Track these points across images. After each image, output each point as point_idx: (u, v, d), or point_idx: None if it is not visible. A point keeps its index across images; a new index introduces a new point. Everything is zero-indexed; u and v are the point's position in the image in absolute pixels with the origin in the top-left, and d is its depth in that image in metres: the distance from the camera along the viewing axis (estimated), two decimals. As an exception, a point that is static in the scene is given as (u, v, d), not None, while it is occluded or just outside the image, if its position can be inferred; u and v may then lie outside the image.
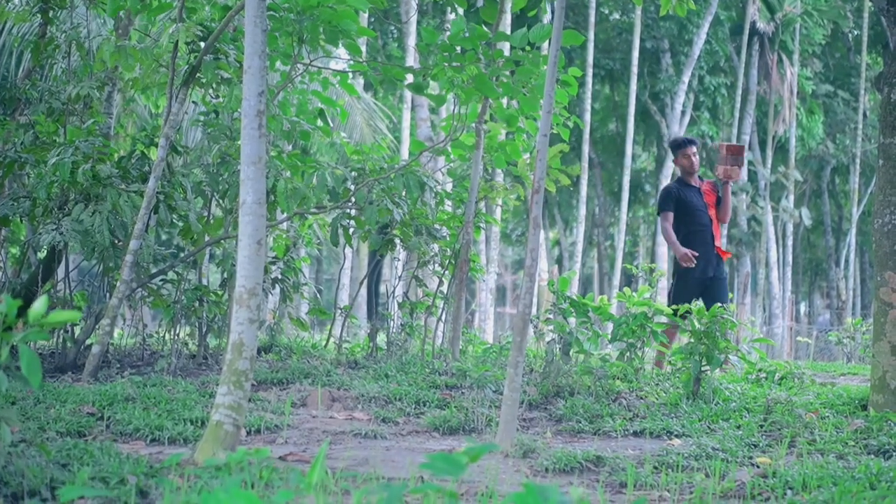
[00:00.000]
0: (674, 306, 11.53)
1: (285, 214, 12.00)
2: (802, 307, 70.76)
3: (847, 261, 50.83)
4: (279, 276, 12.82)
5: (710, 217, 13.38)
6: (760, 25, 44.76)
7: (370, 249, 13.94)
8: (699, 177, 13.62)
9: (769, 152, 46.60)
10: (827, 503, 5.71)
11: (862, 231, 50.05)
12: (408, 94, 27.93)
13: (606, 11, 44.90)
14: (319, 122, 12.76)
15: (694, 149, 13.46)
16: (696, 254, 12.95)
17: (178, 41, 10.87)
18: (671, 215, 13.23)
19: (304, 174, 12.14)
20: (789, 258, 49.70)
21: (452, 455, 3.80)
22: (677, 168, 13.59)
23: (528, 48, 11.49)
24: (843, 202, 55.63)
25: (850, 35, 50.82)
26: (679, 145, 13.53)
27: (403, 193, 12.16)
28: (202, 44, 11.14)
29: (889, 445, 7.78)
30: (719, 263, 13.34)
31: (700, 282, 13.11)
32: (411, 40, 27.93)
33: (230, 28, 11.12)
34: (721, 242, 13.50)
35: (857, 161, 46.40)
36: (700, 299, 12.78)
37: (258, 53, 6.74)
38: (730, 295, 13.17)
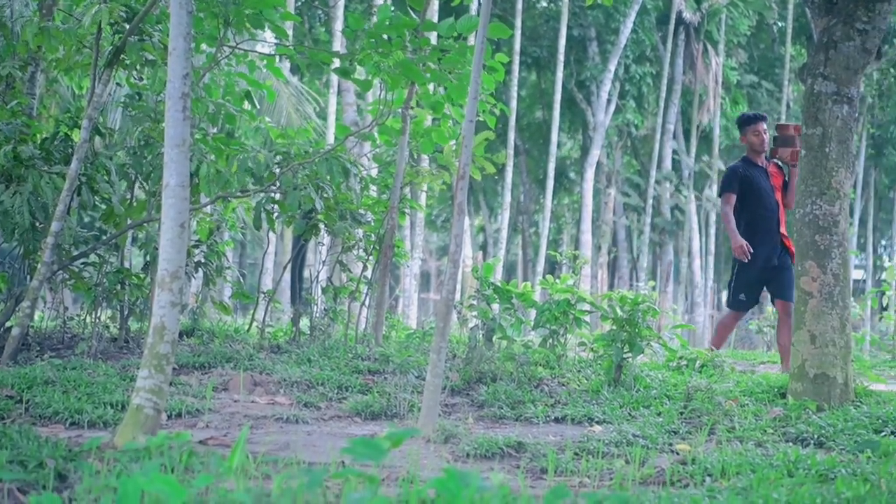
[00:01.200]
0: (740, 296, 12.07)
1: (209, 198, 11.93)
2: (724, 296, 71.39)
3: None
4: (202, 260, 12.75)
5: (777, 201, 12.43)
6: (686, 15, 45.03)
7: (294, 234, 13.88)
8: (765, 157, 12.62)
9: (693, 142, 46.90)
10: (745, 490, 5.77)
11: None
12: (334, 79, 27.85)
13: (534, -1, 45.02)
14: (245, 105, 12.69)
15: (764, 125, 12.53)
16: (752, 250, 12.12)
17: (101, 22, 10.77)
18: (733, 197, 12.31)
19: (228, 158, 12.07)
20: (712, 247, 50.09)
21: (374, 440, 3.81)
22: (745, 145, 12.67)
23: (453, 39, 11.49)
24: (766, 192, 56.05)
25: (774, 26, 51.26)
26: (748, 121, 12.60)
27: (328, 178, 12.12)
28: (126, 25, 11.04)
29: (807, 433, 7.87)
30: (784, 251, 12.33)
31: (762, 271, 12.32)
32: (338, 25, 27.85)
33: (155, 9, 11.03)
34: (783, 228, 12.52)
35: (780, 151, 46.78)
36: (763, 290, 12.62)
37: (183, 35, 6.70)
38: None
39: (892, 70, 46.34)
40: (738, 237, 12.15)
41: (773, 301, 12.42)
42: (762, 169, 12.48)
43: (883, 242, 61.44)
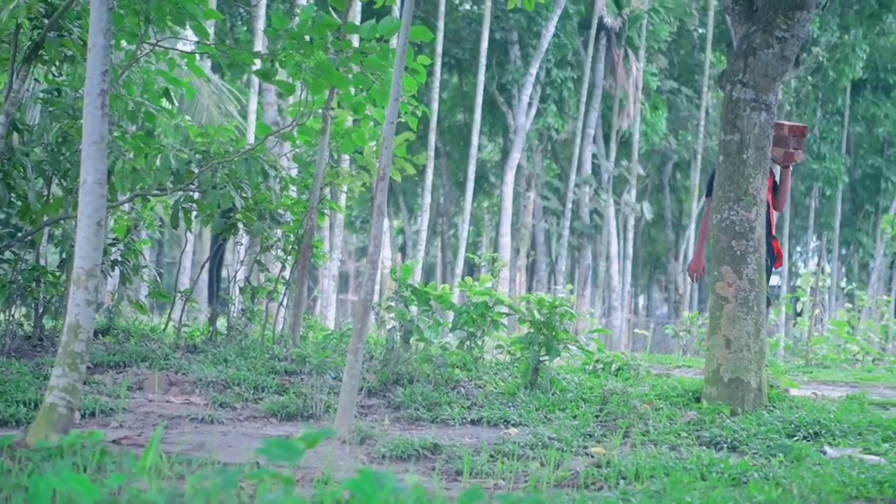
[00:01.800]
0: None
1: (126, 195, 11.85)
2: (641, 300, 71.86)
3: (686, 255, 51.70)
4: (119, 258, 12.66)
5: (767, 203, 11.12)
6: (608, 20, 45.28)
7: (213, 233, 13.81)
8: None
9: (613, 146, 47.16)
10: (658, 493, 5.81)
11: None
12: (255, 78, 27.73)
13: (457, 1, 45.07)
14: (165, 102, 12.61)
15: None
16: (704, 275, 11.33)
17: (20, 17, 10.66)
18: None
19: (147, 156, 11.99)
20: (630, 251, 50.40)
21: (289, 441, 3.80)
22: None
23: (375, 41, 11.48)
24: (684, 197, 56.51)
25: (695, 33, 51.68)
26: None
27: (247, 178, 12.08)
28: (46, 20, 10.94)
29: (720, 437, 7.93)
30: (772, 256, 11.49)
31: None
32: (260, 24, 27.74)
33: (75, 5, 10.94)
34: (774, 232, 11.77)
35: (699, 157, 47.22)
36: None
37: (103, 31, 6.65)
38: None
39: (809, 78, 46.86)
40: (698, 257, 11.65)
41: None
42: None
43: (798, 249, 62.10)
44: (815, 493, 5.77)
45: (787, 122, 11.86)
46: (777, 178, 11.91)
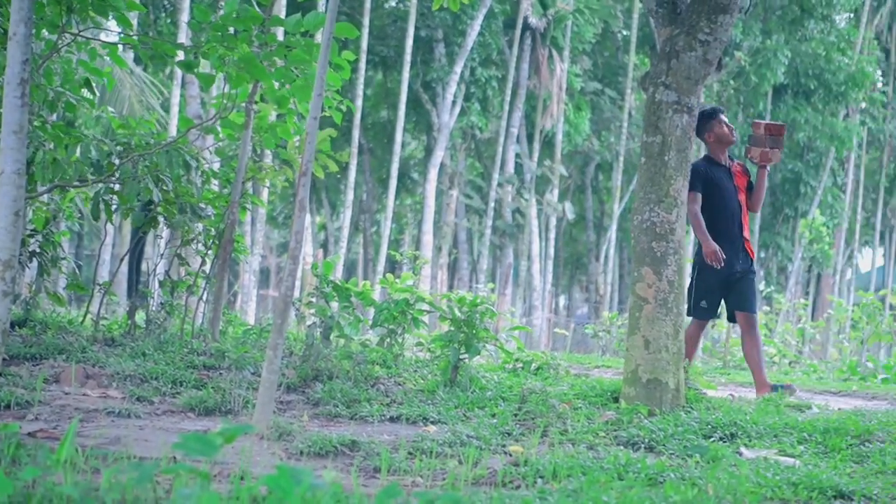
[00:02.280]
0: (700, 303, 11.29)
1: (46, 186, 11.73)
2: (562, 300, 72.22)
3: (607, 256, 52.02)
4: (37, 250, 12.53)
5: (740, 203, 11.46)
6: (533, 21, 45.38)
7: (133, 226, 13.72)
8: (730, 156, 11.64)
9: (536, 146, 47.31)
10: (576, 492, 5.84)
11: (622, 227, 51.22)
12: (178, 70, 27.57)
13: (382, -2, 45.04)
14: (85, 93, 12.49)
15: (723, 116, 11.47)
16: (724, 256, 11.12)
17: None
18: (699, 197, 11.20)
19: (67, 146, 11.87)
20: (551, 251, 50.55)
21: (207, 435, 3.79)
22: (709, 143, 11.47)
23: (300, 35, 11.44)
24: (606, 198, 56.81)
25: (619, 35, 51.98)
26: (711, 115, 11.36)
27: (168, 171, 11.99)
28: (-35, 7, 10.81)
29: (638, 438, 7.98)
30: (746, 257, 11.47)
31: (725, 277, 11.32)
32: (184, 16, 27.57)
33: (-4, -7, 10.81)
34: (746, 234, 11.54)
35: (621, 159, 47.50)
36: (724, 298, 11.56)
37: (24, 20, 6.59)
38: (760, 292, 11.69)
39: (731, 82, 47.25)
40: (709, 241, 11.10)
41: (729, 316, 11.69)
42: (725, 168, 11.48)
43: (717, 251, 62.63)
44: (731, 494, 5.82)
45: (763, 122, 11.82)
46: (753, 178, 11.80)
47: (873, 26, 50.62)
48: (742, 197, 11.52)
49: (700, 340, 11.79)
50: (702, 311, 11.46)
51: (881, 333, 23.20)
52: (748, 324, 11.44)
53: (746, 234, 11.47)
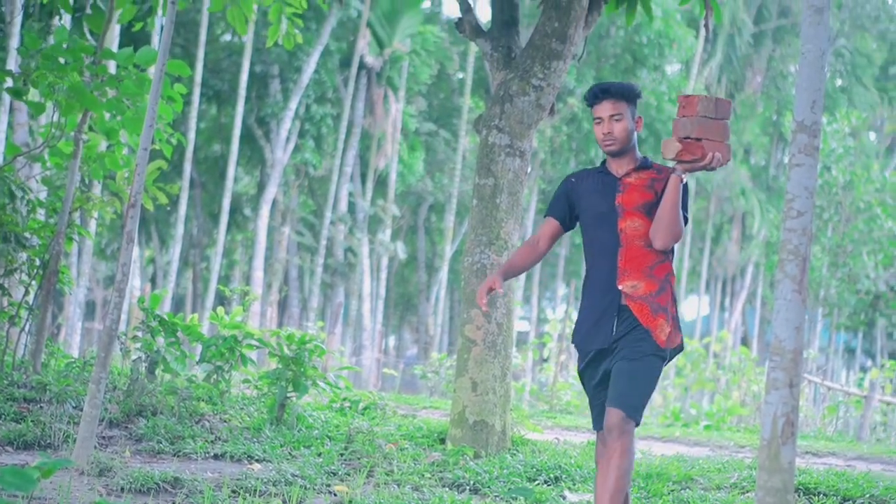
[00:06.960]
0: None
1: None
2: (392, 340, 72.23)
3: (437, 297, 52.20)
4: None
5: (617, 235, 6.58)
6: (369, 60, 45.49)
7: (-46, 254, 13.37)
8: (645, 160, 6.77)
9: (369, 185, 47.37)
10: (399, 532, 5.83)
11: (453, 269, 51.48)
12: (6, 96, 27.04)
13: (218, 32, 44.72)
14: None
15: (610, 105, 6.62)
16: (484, 306, 6.47)
17: None
18: (549, 226, 6.87)
19: None
20: (382, 291, 50.58)
21: (24, 469, 3.70)
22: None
23: (133, 68, 11.31)
24: (438, 239, 57.06)
25: (455, 77, 52.35)
26: (589, 98, 6.87)
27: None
28: None
29: (463, 479, 8.01)
30: (629, 324, 6.44)
31: (585, 357, 6.61)
32: (14, 42, 27.08)
33: None
34: (627, 285, 6.51)
35: (454, 200, 47.74)
36: (595, 391, 6.57)
37: None
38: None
39: (564, 128, 47.88)
40: (482, 287, 6.56)
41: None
42: (613, 179, 6.69)
43: (547, 295, 63.29)
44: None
45: (697, 95, 6.46)
46: (660, 192, 6.77)
47: (703, 77, 51.69)
48: (627, 224, 6.58)
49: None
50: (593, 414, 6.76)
51: (704, 381, 23.64)
52: (619, 430, 6.24)
53: (630, 283, 6.52)
